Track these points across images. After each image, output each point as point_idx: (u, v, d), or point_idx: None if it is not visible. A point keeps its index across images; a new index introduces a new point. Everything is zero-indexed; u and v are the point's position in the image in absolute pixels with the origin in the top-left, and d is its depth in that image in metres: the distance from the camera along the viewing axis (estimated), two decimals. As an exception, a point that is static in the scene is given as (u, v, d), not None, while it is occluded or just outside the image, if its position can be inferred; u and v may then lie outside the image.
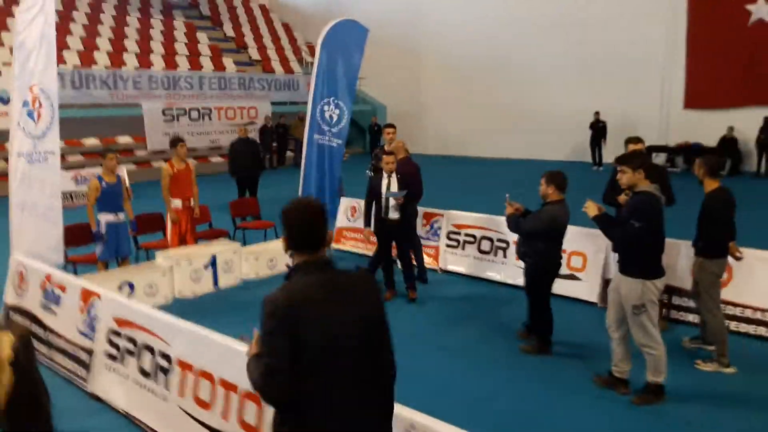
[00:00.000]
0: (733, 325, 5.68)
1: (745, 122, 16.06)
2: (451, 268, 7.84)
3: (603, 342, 5.31)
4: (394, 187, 6.53)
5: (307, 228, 2.29)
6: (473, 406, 4.48)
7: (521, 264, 5.71)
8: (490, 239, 7.56)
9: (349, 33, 8.57)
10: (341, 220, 9.12)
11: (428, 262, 8.01)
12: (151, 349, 4.22)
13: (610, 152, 17.05)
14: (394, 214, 6.56)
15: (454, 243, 7.88)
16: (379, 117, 23.60)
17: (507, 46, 20.68)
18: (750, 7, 16.28)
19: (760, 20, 16.15)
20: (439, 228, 8.02)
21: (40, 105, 5.74)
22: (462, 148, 22.42)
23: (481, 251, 7.63)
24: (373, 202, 6.66)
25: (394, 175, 6.57)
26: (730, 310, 5.75)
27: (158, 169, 16.26)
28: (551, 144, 19.78)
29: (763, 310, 5.65)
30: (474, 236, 7.71)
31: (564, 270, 6.63)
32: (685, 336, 5.64)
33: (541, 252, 5.20)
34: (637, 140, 6.06)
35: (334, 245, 9.00)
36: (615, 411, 4.39)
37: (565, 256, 6.63)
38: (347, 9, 23.56)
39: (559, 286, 6.43)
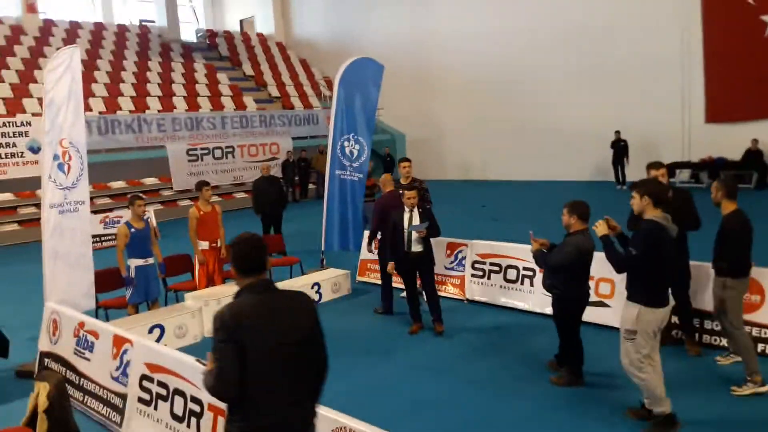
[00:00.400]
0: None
1: (768, 134, 15.85)
2: (477, 298, 7.81)
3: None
4: (417, 220, 6.60)
5: (249, 257, 2.76)
6: (505, 441, 4.43)
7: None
8: (516, 268, 7.53)
9: (365, 70, 8.77)
10: (364, 252, 9.17)
11: (453, 292, 8.00)
12: (182, 394, 4.27)
13: (633, 170, 16.96)
14: (417, 247, 6.61)
15: (480, 273, 7.86)
16: (398, 146, 23.82)
17: (521, 64, 20.69)
18: (765, 17, 16.19)
19: (778, 31, 16.03)
20: (464, 258, 8.01)
21: (70, 158, 5.95)
22: (482, 172, 22.43)
23: (507, 280, 7.60)
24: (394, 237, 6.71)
25: (416, 209, 6.64)
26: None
27: (184, 208, 16.69)
28: (573, 164, 19.65)
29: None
30: (499, 265, 7.69)
31: (592, 297, 6.59)
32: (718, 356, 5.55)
33: (568, 283, 5.13)
34: (659, 165, 5.93)
35: (358, 278, 9.04)
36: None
37: (593, 283, 6.60)
38: (359, 40, 24.05)
39: (588, 314, 6.34)
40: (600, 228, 4.61)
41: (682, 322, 5.91)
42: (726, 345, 5.70)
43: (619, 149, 17.69)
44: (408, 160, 7.94)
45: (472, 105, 22.34)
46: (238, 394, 2.58)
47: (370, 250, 8.60)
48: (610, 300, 6.66)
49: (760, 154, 16.04)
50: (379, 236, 7.55)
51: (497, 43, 21.20)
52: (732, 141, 16.36)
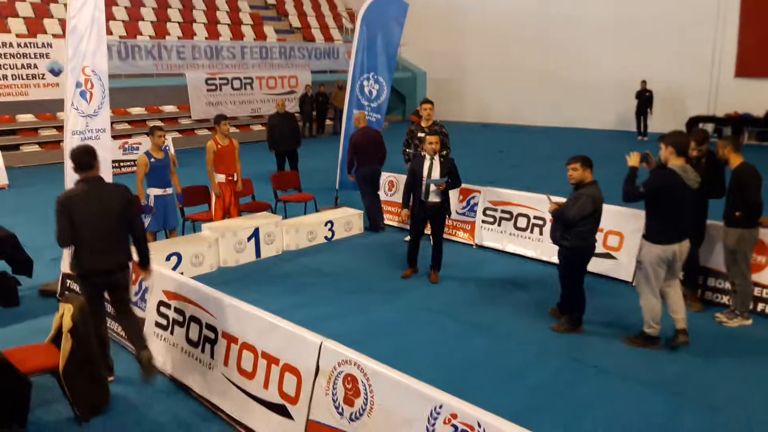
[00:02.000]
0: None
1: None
2: (486, 243, 7.94)
3: (634, 321, 5.41)
4: (437, 169, 6.48)
5: (80, 159, 4.28)
6: (502, 383, 4.64)
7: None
8: (527, 216, 7.60)
9: (389, 8, 8.59)
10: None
11: (464, 237, 8.13)
12: (198, 321, 4.50)
13: (656, 122, 16.68)
14: (434, 198, 6.52)
15: (491, 219, 7.96)
16: (419, 84, 23.49)
17: (551, 9, 20.13)
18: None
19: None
20: (476, 204, 8.09)
21: (92, 86, 6.01)
22: (502, 116, 22.16)
23: (517, 228, 7.69)
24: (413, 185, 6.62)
25: (437, 156, 6.55)
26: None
27: (201, 137, 16.79)
28: (596, 113, 19.36)
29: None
30: (510, 213, 7.77)
31: (600, 249, 6.69)
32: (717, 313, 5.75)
33: (582, 235, 5.21)
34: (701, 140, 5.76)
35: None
36: (639, 391, 4.49)
37: (601, 234, 6.70)
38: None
39: (594, 265, 6.47)
40: (633, 158, 5.07)
41: (687, 277, 6.02)
42: (727, 302, 5.82)
43: (644, 100, 17.33)
44: (430, 102, 7.82)
45: (498, 48, 21.84)
46: (71, 245, 4.28)
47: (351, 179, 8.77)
48: (617, 252, 6.75)
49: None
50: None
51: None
52: (759, 97, 15.95)
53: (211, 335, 4.36)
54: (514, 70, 21.43)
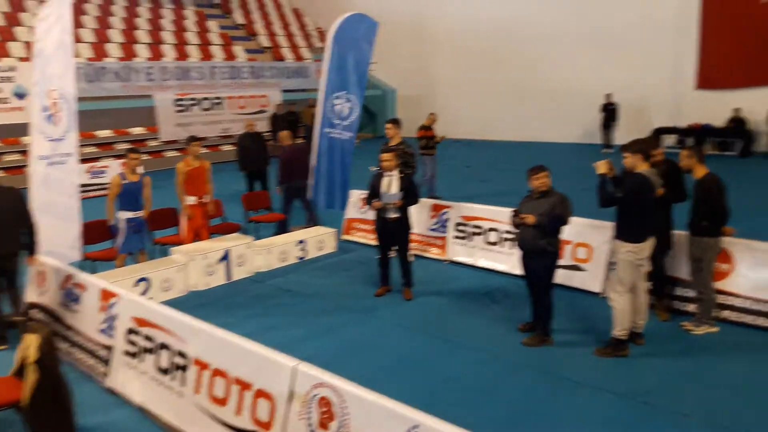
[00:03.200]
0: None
1: (755, 102, 15.89)
2: (458, 259, 7.99)
3: (604, 330, 5.49)
4: (395, 186, 6.52)
5: None
6: (478, 400, 4.65)
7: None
8: (497, 230, 7.68)
9: (359, 27, 8.64)
10: (351, 211, 9.27)
11: (436, 253, 8.17)
12: (168, 348, 4.43)
13: (621, 134, 17.04)
14: (392, 214, 6.57)
15: (462, 234, 8.02)
16: (389, 101, 23.67)
17: (518, 24, 20.50)
18: (764, -16, 16.03)
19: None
20: (447, 220, 8.15)
21: (59, 109, 5.92)
22: (472, 132, 22.37)
23: (488, 242, 7.76)
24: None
25: (396, 173, 6.61)
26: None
27: (170, 159, 16.59)
28: (562, 126, 19.69)
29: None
30: (481, 227, 7.84)
31: (569, 261, 6.81)
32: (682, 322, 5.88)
33: (559, 239, 5.44)
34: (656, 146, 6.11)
35: (343, 236, 9.16)
36: (612, 401, 4.54)
37: (570, 247, 6.82)
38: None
39: (564, 277, 6.59)
40: (601, 166, 5.15)
41: (656, 287, 6.13)
42: (694, 311, 5.94)
43: (609, 113, 17.73)
44: (392, 121, 7.96)
45: (466, 64, 22.12)
46: None
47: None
48: (586, 264, 6.85)
49: (744, 122, 16.16)
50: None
51: (494, 3, 20.93)
52: (719, 108, 16.44)
53: (182, 362, 4.29)
54: (483, 86, 21.71)
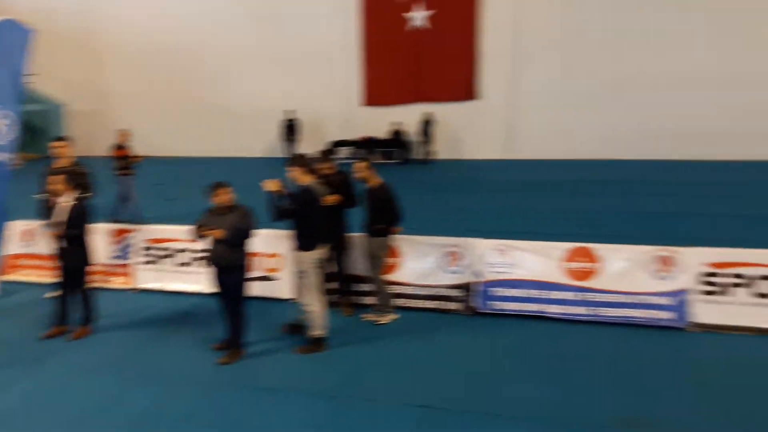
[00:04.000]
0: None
1: (410, 117, 18.58)
2: (147, 285, 7.54)
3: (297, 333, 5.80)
4: (64, 213, 5.94)
5: None
6: (176, 429, 4.46)
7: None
8: (186, 250, 7.44)
9: (10, 35, 7.48)
10: (12, 246, 7.96)
11: (121, 282, 7.57)
12: None
13: (304, 147, 18.18)
14: (64, 243, 6.00)
15: (150, 259, 7.58)
16: (55, 117, 21.13)
17: (201, 40, 20.23)
18: (406, 15, 18.82)
19: (415, 27, 18.80)
20: (130, 245, 7.61)
21: None
22: (155, 148, 21.26)
23: (178, 264, 7.48)
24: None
25: (69, 198, 6.00)
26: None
27: None
28: (245, 141, 20.12)
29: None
30: (169, 249, 7.52)
31: (260, 272, 7.00)
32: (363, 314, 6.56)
33: (245, 255, 5.52)
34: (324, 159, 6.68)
35: (2, 277, 7.82)
36: (303, 402, 4.83)
37: (259, 258, 7.01)
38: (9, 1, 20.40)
39: (257, 288, 6.73)
40: (270, 185, 5.47)
41: (341, 286, 6.71)
42: (371, 303, 6.66)
43: (289, 128, 18.76)
44: (59, 139, 7.14)
45: (142, 77, 20.96)
46: None
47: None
48: (277, 273, 7.11)
49: (403, 134, 18.80)
50: None
51: (172, 16, 20.36)
52: (382, 122, 18.82)
53: None
54: (164, 101, 20.84)
